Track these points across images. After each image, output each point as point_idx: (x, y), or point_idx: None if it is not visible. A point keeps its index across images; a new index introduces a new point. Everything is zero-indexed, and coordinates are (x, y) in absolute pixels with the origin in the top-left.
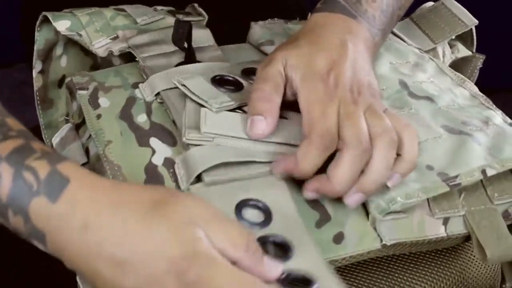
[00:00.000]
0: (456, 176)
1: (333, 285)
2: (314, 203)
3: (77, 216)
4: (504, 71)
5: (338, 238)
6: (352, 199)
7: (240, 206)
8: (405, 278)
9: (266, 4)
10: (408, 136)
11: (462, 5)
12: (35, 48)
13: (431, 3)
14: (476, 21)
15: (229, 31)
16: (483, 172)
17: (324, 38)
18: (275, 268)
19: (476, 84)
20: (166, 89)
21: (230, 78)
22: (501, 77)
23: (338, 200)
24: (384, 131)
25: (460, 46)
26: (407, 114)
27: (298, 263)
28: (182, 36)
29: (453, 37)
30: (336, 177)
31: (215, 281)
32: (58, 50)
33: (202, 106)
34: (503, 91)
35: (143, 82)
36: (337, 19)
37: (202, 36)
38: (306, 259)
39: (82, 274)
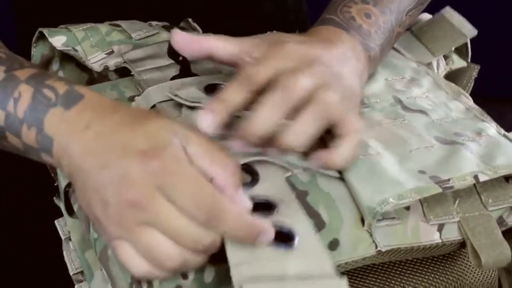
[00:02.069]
0: (448, 180)
1: (294, 209)
2: (309, 210)
3: (82, 120)
4: (500, 80)
5: (333, 245)
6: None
7: None
8: (401, 285)
9: (266, 17)
10: (351, 138)
11: (459, 11)
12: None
13: (429, 16)
14: (476, 32)
15: None
16: (475, 177)
17: (313, 38)
18: (244, 200)
19: (472, 93)
20: (162, 101)
21: (223, 86)
22: (497, 87)
23: (333, 206)
24: (321, 104)
25: (454, 57)
26: (400, 124)
27: (263, 189)
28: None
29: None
30: (254, 116)
31: (176, 176)
32: (54, 66)
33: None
34: (499, 101)
35: (139, 95)
36: (328, 29)
37: None
38: (271, 185)
39: (73, 176)
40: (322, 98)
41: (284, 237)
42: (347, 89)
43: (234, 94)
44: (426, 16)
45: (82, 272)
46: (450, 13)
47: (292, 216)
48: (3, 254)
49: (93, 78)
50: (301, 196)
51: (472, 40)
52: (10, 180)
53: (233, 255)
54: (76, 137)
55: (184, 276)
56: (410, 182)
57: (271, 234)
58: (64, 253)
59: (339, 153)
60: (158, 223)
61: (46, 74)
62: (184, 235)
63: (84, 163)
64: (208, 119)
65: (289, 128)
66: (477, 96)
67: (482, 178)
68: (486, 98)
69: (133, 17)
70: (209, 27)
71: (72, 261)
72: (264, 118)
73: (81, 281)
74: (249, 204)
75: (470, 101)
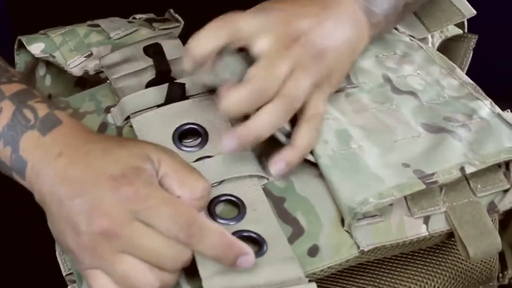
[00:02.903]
0: (433, 174)
1: (263, 213)
2: (287, 217)
3: (56, 147)
4: (495, 79)
5: (313, 251)
6: (228, 142)
7: (178, 132)
8: (393, 280)
9: None
10: (310, 123)
11: None
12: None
13: None
14: (474, 12)
15: None
16: (462, 169)
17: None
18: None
19: None
20: (136, 112)
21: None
22: (492, 85)
23: (312, 212)
24: (291, 95)
25: (449, 26)
26: (387, 110)
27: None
28: (161, 58)
29: None
30: (233, 93)
31: (151, 200)
32: (41, 71)
33: None
34: (494, 99)
35: (115, 105)
36: None
37: (173, 48)
38: (258, 220)
39: (46, 203)
40: (290, 91)
41: (253, 243)
42: (324, 70)
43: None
44: None
45: None
46: None
47: (263, 220)
48: (2, 254)
49: (82, 77)
50: (278, 203)
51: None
52: (8, 179)
53: (204, 267)
54: (49, 164)
55: None
56: (392, 178)
57: (252, 258)
58: (57, 253)
59: (295, 147)
60: (134, 248)
61: (31, 93)
62: (164, 256)
63: (56, 192)
64: (233, 144)
65: (253, 119)
66: None
67: (469, 169)
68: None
69: (118, 11)
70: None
71: (65, 262)
72: (241, 100)
73: (74, 282)
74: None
75: (465, 76)
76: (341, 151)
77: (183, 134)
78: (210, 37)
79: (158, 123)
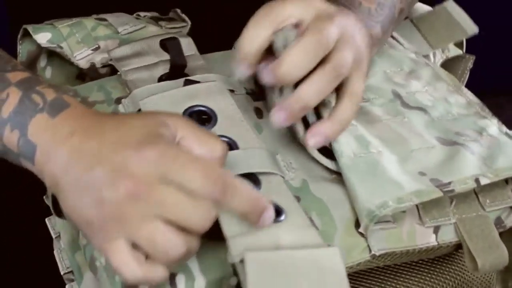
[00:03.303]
0: (449, 183)
1: (278, 185)
2: None
3: (68, 128)
4: (497, 73)
5: None
6: (276, 116)
7: (187, 113)
8: (397, 287)
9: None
10: (352, 99)
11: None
12: (18, 61)
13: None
14: (477, 29)
15: (227, 36)
16: (477, 180)
17: None
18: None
19: (469, 86)
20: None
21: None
22: (494, 79)
23: (327, 213)
24: (338, 63)
25: (450, 45)
26: (400, 122)
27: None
28: (179, 53)
29: None
30: (286, 57)
31: (178, 160)
32: (42, 62)
33: None
34: (495, 93)
35: (126, 97)
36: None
37: (186, 45)
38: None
39: (59, 184)
40: (337, 59)
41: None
42: (361, 49)
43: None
44: (426, 8)
45: (73, 272)
46: (452, 6)
47: (278, 193)
48: (2, 254)
49: (82, 72)
50: None
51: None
52: (3, 178)
53: (228, 229)
54: (62, 143)
55: (174, 287)
56: (411, 184)
57: (272, 213)
58: (55, 252)
59: (335, 120)
60: (163, 210)
61: (37, 79)
62: (192, 216)
63: (71, 168)
64: (281, 117)
65: (301, 87)
66: (473, 88)
67: (484, 181)
68: (483, 90)
69: (122, 7)
70: (204, 18)
71: (62, 260)
72: (295, 63)
73: (72, 280)
74: None
75: (471, 95)
76: (361, 154)
77: (191, 117)
78: (257, 30)
79: (166, 104)
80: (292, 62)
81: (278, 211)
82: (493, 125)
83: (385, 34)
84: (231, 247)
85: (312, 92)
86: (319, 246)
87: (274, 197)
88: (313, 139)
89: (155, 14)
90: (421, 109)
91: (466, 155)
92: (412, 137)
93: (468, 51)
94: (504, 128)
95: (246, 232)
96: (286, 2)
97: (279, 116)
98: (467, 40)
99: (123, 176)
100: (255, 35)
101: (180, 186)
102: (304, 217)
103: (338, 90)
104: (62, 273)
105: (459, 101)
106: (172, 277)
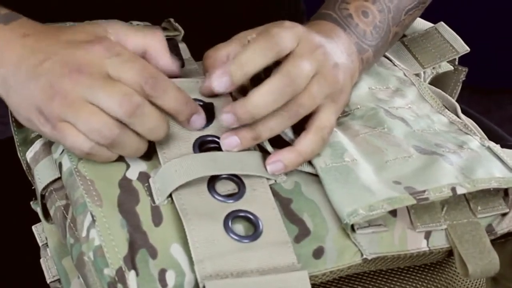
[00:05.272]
0: (424, 191)
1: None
2: (294, 218)
3: (21, 30)
4: (499, 71)
5: (318, 253)
6: (227, 140)
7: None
8: None
9: (260, 16)
10: (318, 133)
11: (460, 5)
12: None
13: (428, 24)
14: (468, 49)
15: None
16: (453, 189)
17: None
18: (175, 63)
19: (471, 85)
20: None
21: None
22: (496, 78)
23: (318, 214)
24: (302, 102)
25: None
26: (378, 134)
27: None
28: (177, 53)
29: None
30: (252, 96)
31: (121, 55)
32: None
33: None
34: (498, 92)
35: None
36: (327, 24)
37: (182, 50)
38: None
39: (8, 79)
40: (312, 90)
41: (249, 223)
42: (338, 85)
43: (253, 57)
44: (426, 24)
45: (59, 280)
46: (443, 28)
47: (261, 202)
48: (2, 254)
49: None
50: (285, 204)
51: (470, 32)
52: (8, 179)
53: (197, 252)
54: (15, 42)
55: (163, 283)
56: (383, 192)
57: (203, 119)
58: (42, 260)
59: (296, 151)
60: (101, 96)
61: None
62: (126, 99)
63: (25, 61)
64: (222, 80)
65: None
66: (476, 87)
67: (460, 190)
68: (485, 89)
69: (115, 15)
70: (197, 27)
71: (49, 269)
72: (262, 100)
73: None
74: (177, 67)
75: (453, 116)
76: (334, 163)
77: None
78: (256, 56)
79: None
80: (256, 103)
81: (256, 225)
82: (475, 140)
83: (376, 57)
84: (196, 271)
85: (268, 130)
86: (288, 270)
87: (256, 206)
88: (272, 166)
89: (147, 23)
90: (403, 120)
91: (443, 164)
92: (388, 149)
93: (469, 51)
94: (487, 143)
95: (215, 255)
96: (282, 29)
97: (230, 141)
98: (468, 35)
99: (71, 65)
100: (253, 60)
101: (117, 78)
102: (282, 230)
103: (306, 122)
104: (48, 281)
105: (442, 120)
106: (162, 273)
